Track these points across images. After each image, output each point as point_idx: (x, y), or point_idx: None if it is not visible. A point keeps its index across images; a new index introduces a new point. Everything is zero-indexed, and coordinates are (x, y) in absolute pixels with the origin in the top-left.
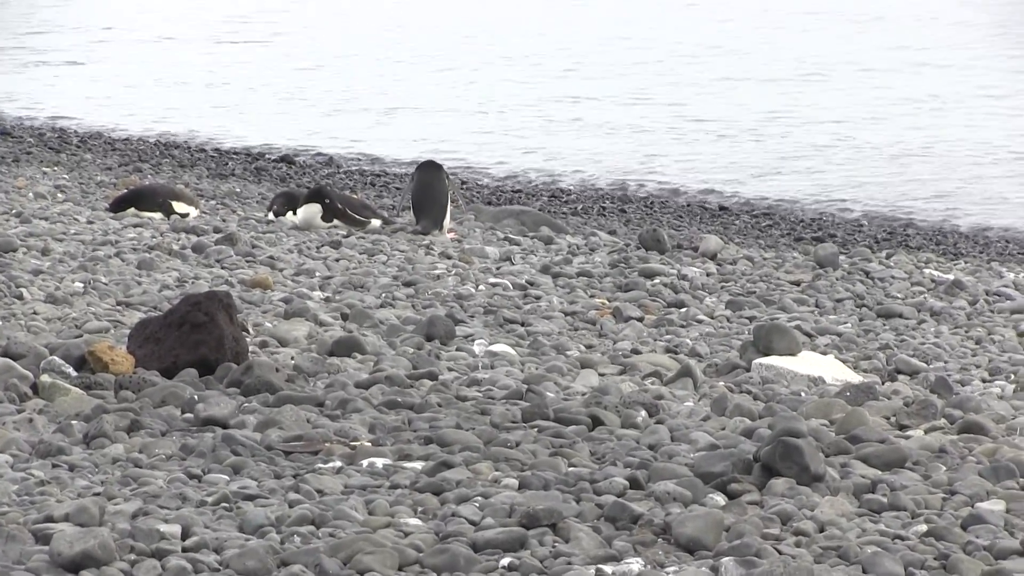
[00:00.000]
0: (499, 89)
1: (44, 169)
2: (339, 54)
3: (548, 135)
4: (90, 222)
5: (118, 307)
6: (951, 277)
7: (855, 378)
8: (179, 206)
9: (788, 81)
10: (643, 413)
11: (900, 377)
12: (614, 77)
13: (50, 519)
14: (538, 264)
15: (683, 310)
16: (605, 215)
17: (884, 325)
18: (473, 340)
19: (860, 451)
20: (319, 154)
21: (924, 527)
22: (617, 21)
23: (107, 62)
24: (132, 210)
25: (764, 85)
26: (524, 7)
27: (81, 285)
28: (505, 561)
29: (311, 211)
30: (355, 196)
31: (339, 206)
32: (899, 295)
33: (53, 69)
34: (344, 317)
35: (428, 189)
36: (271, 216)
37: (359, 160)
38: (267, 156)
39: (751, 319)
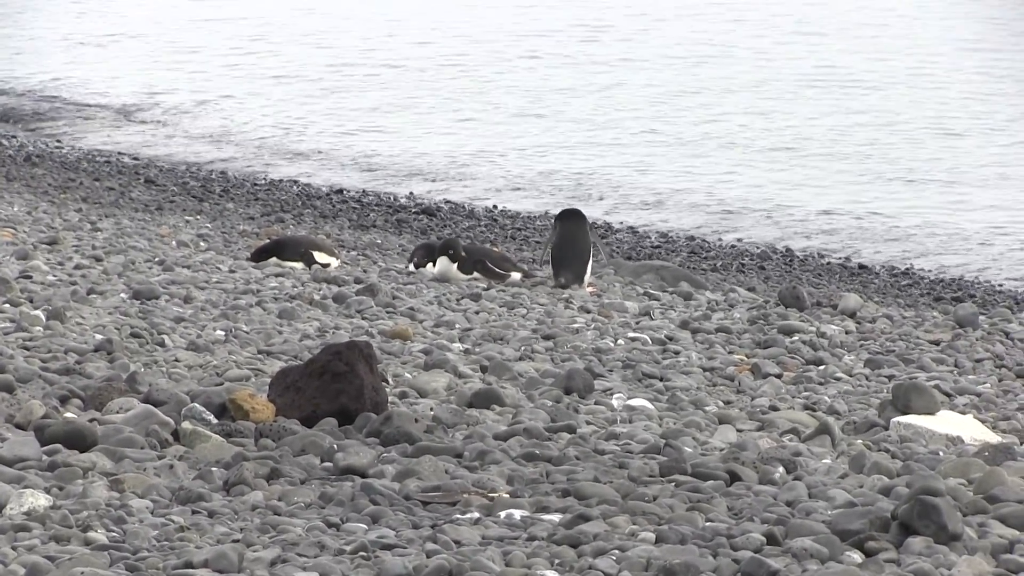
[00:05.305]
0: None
1: (187, 218)
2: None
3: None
4: (232, 271)
5: (259, 355)
6: None
7: (994, 438)
8: (320, 256)
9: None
10: (781, 469)
11: None
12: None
13: (189, 565)
14: (677, 319)
15: (822, 368)
16: (744, 271)
17: None
18: (611, 394)
19: (998, 511)
20: (458, 205)
21: None
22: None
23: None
24: (274, 260)
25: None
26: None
27: (223, 333)
28: None
29: (444, 263)
30: (495, 249)
31: (464, 256)
32: None
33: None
34: (483, 369)
35: (571, 242)
36: (411, 268)
37: (498, 211)
38: (408, 208)
39: (890, 378)
